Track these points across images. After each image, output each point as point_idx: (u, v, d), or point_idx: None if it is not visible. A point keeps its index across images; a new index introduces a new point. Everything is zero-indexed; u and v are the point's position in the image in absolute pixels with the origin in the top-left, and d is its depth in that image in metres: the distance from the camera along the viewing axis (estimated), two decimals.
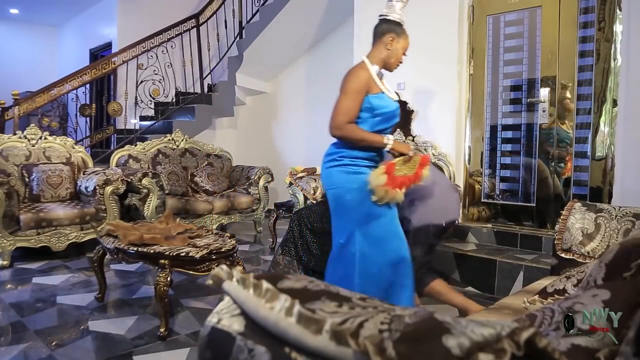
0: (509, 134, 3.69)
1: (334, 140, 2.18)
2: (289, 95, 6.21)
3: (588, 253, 2.03)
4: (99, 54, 7.37)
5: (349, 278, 2.10)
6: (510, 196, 3.69)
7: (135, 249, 2.36)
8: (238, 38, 5.81)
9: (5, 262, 3.50)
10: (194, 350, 2.18)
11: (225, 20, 5.84)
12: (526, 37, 3.56)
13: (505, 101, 3.70)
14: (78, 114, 5.71)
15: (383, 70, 2.40)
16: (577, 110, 3.32)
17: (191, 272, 2.35)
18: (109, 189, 3.92)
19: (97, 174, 4.02)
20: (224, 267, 0.69)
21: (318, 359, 0.52)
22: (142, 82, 5.46)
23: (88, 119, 6.03)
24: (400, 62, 2.29)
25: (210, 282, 0.67)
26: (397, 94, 2.50)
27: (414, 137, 4.04)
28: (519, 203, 3.63)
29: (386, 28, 2.20)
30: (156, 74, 5.57)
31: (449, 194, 2.51)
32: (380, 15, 2.22)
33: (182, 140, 5.19)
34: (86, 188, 4.01)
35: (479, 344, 0.47)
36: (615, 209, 2.06)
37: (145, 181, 4.11)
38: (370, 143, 2.11)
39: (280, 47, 5.72)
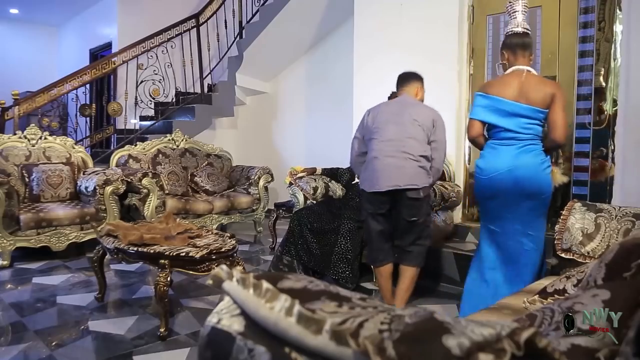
0: None
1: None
2: (289, 95, 6.21)
3: (588, 253, 2.03)
4: (99, 54, 7.37)
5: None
6: None
7: (135, 249, 2.36)
8: (238, 38, 5.81)
9: (5, 262, 3.51)
10: (194, 350, 2.18)
11: (225, 20, 5.84)
12: None
13: None
14: (78, 114, 5.71)
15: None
16: (577, 110, 3.32)
17: (191, 272, 2.35)
18: (109, 189, 3.92)
19: (97, 174, 4.02)
20: (224, 267, 0.69)
21: (318, 359, 0.52)
22: (142, 82, 5.46)
23: (88, 119, 6.03)
24: None
25: (210, 282, 0.67)
26: None
27: None
28: None
29: (531, 41, 2.31)
30: (156, 74, 5.57)
31: (382, 169, 2.54)
32: (526, 29, 2.33)
33: (182, 140, 5.19)
34: (86, 188, 4.01)
35: (479, 344, 0.47)
36: (615, 209, 2.06)
37: (145, 181, 4.11)
38: None
39: (280, 47, 5.72)
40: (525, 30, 2.31)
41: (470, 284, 2.44)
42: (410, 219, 2.56)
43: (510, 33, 2.33)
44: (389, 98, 4.27)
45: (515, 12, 2.33)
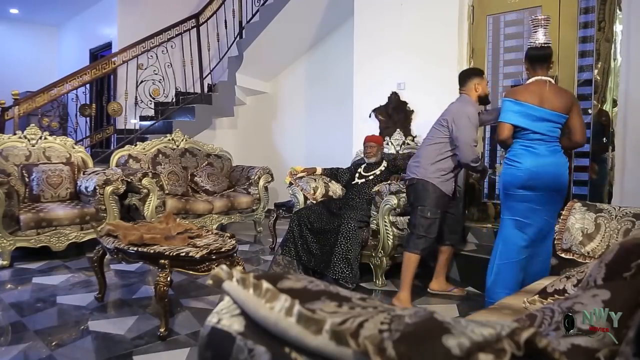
0: None
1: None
2: (289, 95, 6.21)
3: (588, 253, 2.03)
4: (99, 54, 7.37)
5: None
6: None
7: (135, 249, 2.36)
8: (238, 38, 5.81)
9: (5, 262, 3.50)
10: (194, 350, 2.18)
11: (225, 20, 5.84)
12: (526, 37, 3.55)
13: None
14: (78, 114, 5.70)
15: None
16: None
17: (191, 272, 2.35)
18: (109, 189, 3.92)
19: (97, 174, 4.02)
20: (224, 267, 0.69)
21: (318, 359, 0.52)
22: (142, 82, 5.46)
23: (88, 119, 6.02)
24: None
25: (210, 282, 0.67)
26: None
27: (414, 137, 4.04)
28: None
29: (550, 52, 2.55)
30: (156, 74, 5.57)
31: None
32: (547, 43, 2.54)
33: (182, 140, 5.19)
34: (86, 188, 4.01)
35: (479, 344, 0.47)
36: (615, 209, 2.06)
37: (145, 181, 4.11)
38: None
39: (280, 47, 5.72)
40: (544, 44, 2.53)
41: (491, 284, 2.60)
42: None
43: (530, 46, 2.58)
44: (389, 99, 4.28)
45: (537, 26, 2.56)
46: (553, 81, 2.53)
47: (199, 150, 5.29)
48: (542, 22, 2.55)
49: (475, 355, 0.46)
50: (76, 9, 7.75)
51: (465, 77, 2.93)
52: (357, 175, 3.75)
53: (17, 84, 5.87)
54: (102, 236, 2.65)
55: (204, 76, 5.99)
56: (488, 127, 3.78)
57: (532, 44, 2.57)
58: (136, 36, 5.56)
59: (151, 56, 5.52)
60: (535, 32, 2.57)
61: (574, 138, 2.52)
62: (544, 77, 2.51)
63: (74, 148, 4.49)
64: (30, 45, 8.54)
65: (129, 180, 4.09)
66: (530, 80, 2.54)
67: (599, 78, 3.21)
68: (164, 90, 5.66)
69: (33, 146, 4.23)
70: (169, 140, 5.08)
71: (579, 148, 2.77)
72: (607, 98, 3.19)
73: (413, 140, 4.02)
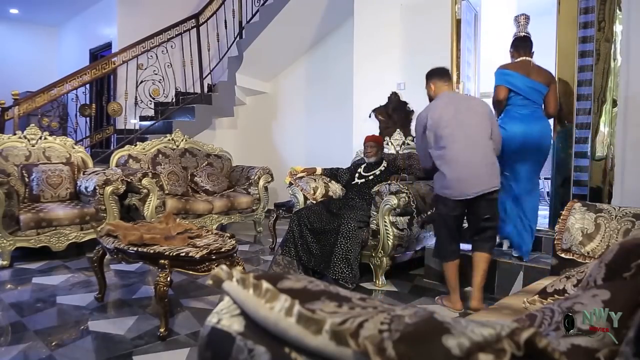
0: None
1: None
2: (289, 95, 6.21)
3: (588, 253, 2.03)
4: (99, 54, 7.36)
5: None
6: None
7: (135, 249, 2.36)
8: (238, 38, 5.81)
9: (5, 262, 3.50)
10: (194, 350, 2.18)
11: (225, 20, 5.84)
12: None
13: None
14: (78, 114, 5.70)
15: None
16: (577, 110, 3.32)
17: (191, 272, 2.35)
18: (109, 189, 3.92)
19: (97, 174, 4.02)
20: (224, 267, 0.69)
21: (318, 359, 0.52)
22: (142, 82, 5.46)
23: (88, 119, 6.02)
24: None
25: (210, 282, 0.67)
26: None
27: (414, 138, 4.04)
28: None
29: (530, 44, 3.15)
30: (156, 74, 5.57)
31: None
32: (527, 34, 3.33)
33: (182, 140, 5.19)
34: (86, 188, 4.01)
35: (479, 344, 0.47)
36: (615, 209, 2.06)
37: (145, 181, 4.11)
38: None
39: (280, 47, 5.72)
40: (525, 35, 3.26)
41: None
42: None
43: (514, 37, 3.29)
44: (389, 99, 4.28)
45: (518, 23, 3.35)
46: (534, 61, 3.06)
47: (199, 150, 5.29)
48: (522, 20, 3.36)
49: (475, 356, 0.46)
50: (76, 9, 7.75)
51: (449, 75, 2.95)
52: (357, 175, 3.75)
53: (17, 84, 5.87)
54: (102, 236, 2.65)
55: (204, 76, 5.99)
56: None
57: (516, 35, 3.30)
58: (136, 36, 5.56)
59: (151, 56, 5.52)
60: (518, 26, 3.34)
61: (547, 110, 3.06)
62: (527, 58, 3.05)
63: (73, 148, 4.49)
64: (30, 45, 8.54)
65: (129, 180, 4.09)
66: (517, 60, 3.08)
67: (599, 78, 3.22)
68: (164, 90, 5.66)
69: (33, 146, 4.23)
70: (169, 140, 5.08)
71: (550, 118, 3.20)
72: (607, 98, 3.19)
73: (413, 141, 4.02)
